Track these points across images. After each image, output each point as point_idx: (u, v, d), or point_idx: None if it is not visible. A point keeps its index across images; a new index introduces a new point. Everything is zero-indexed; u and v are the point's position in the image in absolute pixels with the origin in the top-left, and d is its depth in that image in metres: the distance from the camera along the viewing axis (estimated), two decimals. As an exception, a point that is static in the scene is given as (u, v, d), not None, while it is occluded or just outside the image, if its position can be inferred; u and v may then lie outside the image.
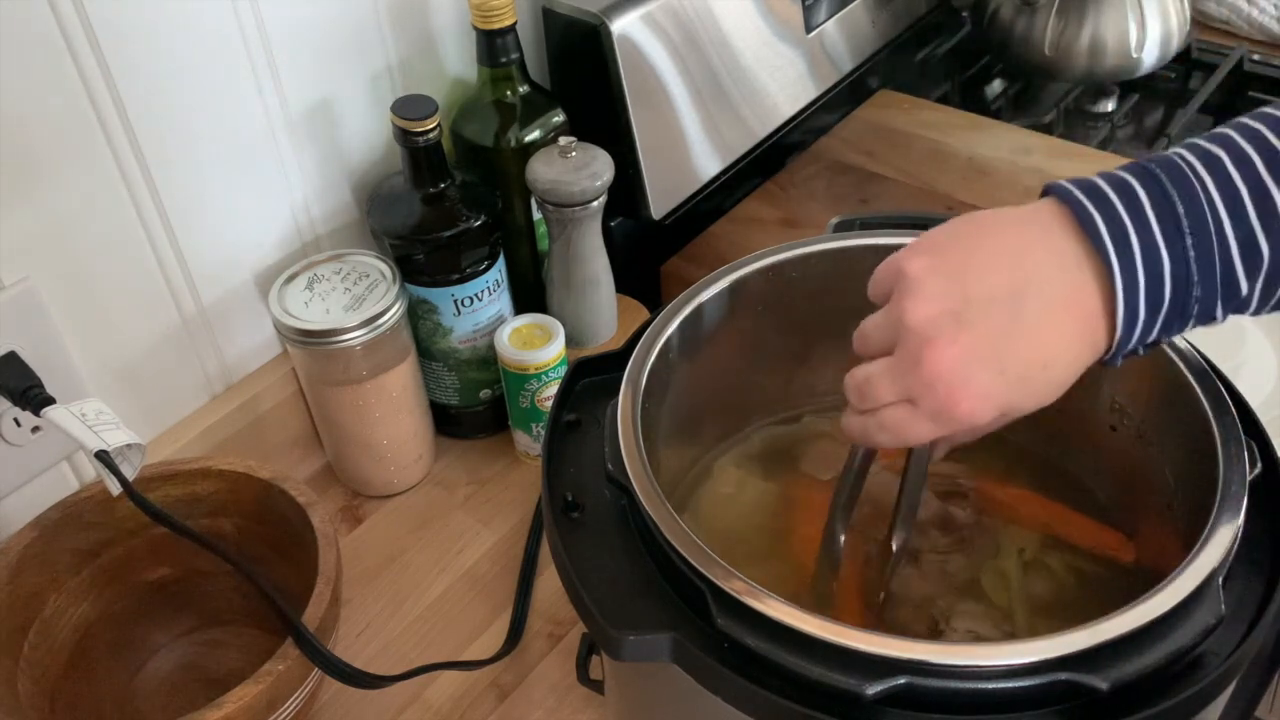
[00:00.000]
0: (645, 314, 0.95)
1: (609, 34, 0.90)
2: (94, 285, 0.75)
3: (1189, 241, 0.46)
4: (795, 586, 0.61)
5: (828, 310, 0.66)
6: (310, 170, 0.85)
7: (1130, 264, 0.46)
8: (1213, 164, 0.46)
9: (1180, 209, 0.46)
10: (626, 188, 0.95)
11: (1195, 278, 0.46)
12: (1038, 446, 0.66)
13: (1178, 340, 0.57)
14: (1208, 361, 0.56)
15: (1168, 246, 0.46)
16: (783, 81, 1.09)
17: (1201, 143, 0.48)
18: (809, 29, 1.11)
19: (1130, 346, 0.48)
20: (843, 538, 0.60)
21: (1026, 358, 0.48)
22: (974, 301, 0.47)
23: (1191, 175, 0.46)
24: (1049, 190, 0.49)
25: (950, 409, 0.48)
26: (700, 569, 0.48)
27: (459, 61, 0.92)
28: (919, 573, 0.62)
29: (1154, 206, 0.46)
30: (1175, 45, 1.21)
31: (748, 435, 0.70)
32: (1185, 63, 1.27)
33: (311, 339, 0.80)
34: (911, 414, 0.49)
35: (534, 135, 0.88)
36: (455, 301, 0.85)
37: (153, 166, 0.75)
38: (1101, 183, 0.48)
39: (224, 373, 0.86)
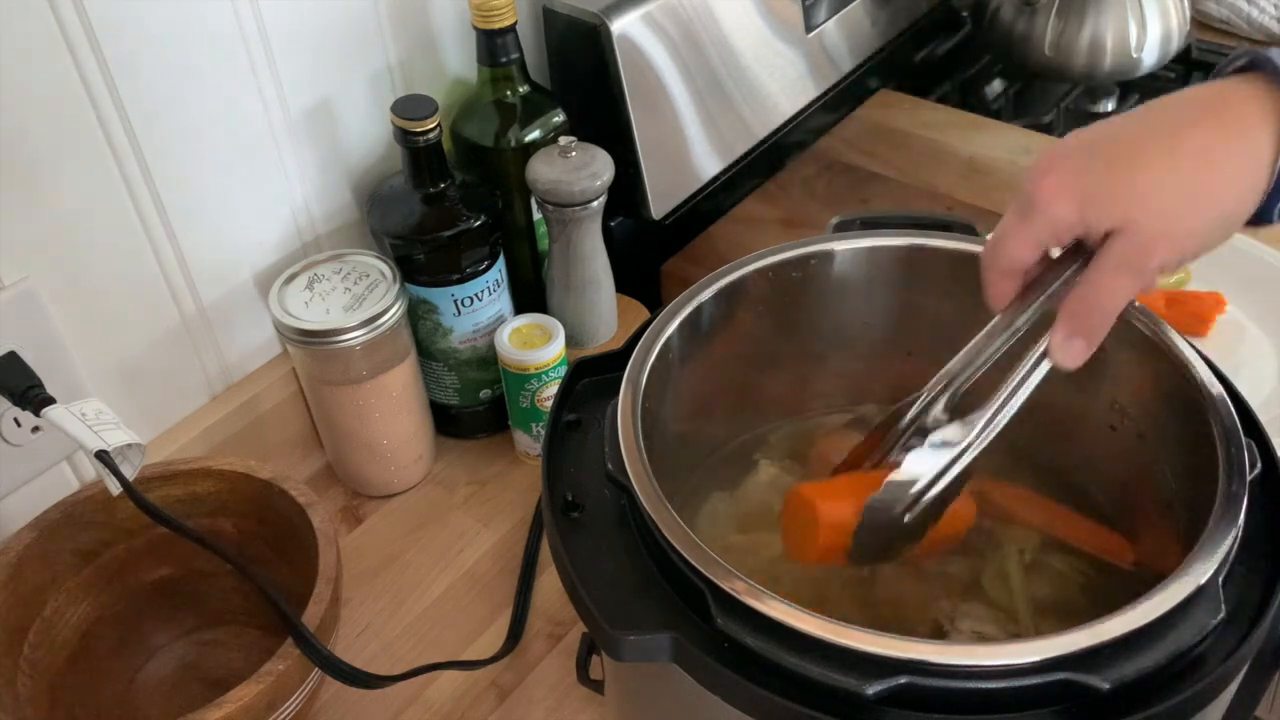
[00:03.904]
0: (645, 314, 0.95)
1: (609, 34, 0.90)
2: (94, 285, 0.75)
3: None
4: (810, 583, 0.61)
5: (828, 310, 0.66)
6: (310, 170, 0.85)
7: None
8: None
9: None
10: (626, 188, 0.95)
11: None
12: (1038, 446, 0.66)
13: (1177, 340, 0.57)
14: (1208, 361, 0.56)
15: None
16: (783, 81, 1.09)
17: None
18: (809, 29, 1.11)
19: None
20: None
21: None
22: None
23: None
24: (1257, 64, 0.49)
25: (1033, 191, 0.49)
26: (700, 569, 0.48)
27: (459, 61, 0.92)
28: (920, 575, 0.61)
29: None
30: (1175, 45, 1.21)
31: (749, 434, 0.70)
32: (1185, 63, 1.27)
33: (311, 339, 0.80)
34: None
35: (534, 135, 0.88)
36: (455, 301, 0.85)
37: (153, 166, 0.75)
38: None
39: (224, 373, 0.86)
